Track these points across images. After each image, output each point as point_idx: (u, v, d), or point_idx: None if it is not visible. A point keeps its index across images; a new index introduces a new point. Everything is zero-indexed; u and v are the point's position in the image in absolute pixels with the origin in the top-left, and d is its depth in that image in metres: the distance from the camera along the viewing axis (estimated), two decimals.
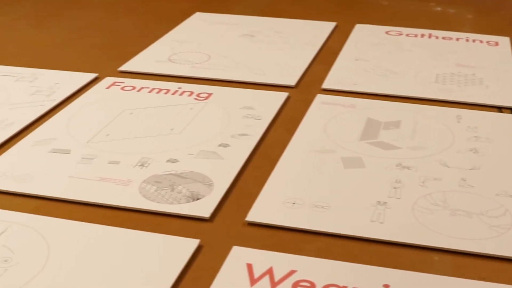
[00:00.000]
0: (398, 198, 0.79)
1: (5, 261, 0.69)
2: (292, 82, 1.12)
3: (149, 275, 0.67)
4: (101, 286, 0.66)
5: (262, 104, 1.03)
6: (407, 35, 1.36)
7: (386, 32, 1.37)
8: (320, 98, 1.06)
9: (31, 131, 0.96)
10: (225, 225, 0.76)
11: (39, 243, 0.72)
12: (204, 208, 0.77)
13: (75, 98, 1.07)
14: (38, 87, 1.11)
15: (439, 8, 1.56)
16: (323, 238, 0.74)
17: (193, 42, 1.31)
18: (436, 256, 0.71)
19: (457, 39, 1.34)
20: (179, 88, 1.09)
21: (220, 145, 0.91)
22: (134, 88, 1.10)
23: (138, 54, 1.25)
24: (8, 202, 0.80)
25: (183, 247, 0.71)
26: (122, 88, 1.10)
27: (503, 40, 1.33)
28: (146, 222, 0.77)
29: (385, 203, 0.78)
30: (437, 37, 1.35)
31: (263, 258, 0.70)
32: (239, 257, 0.70)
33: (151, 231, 0.74)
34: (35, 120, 1.00)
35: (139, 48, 1.28)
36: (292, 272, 0.68)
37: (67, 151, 0.90)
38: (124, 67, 1.18)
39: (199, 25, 1.42)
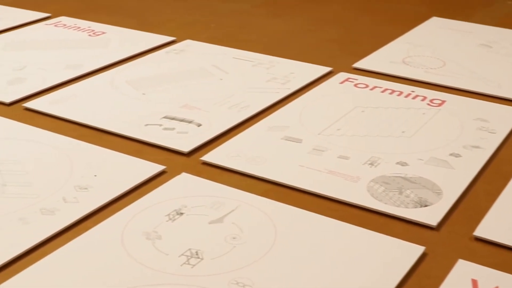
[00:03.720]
0: None
1: (234, 238, 0.72)
2: None
3: (371, 274, 0.67)
4: (322, 278, 0.66)
5: (496, 118, 1.00)
6: None
7: None
8: None
9: (265, 116, 0.99)
10: (451, 236, 0.74)
11: (267, 225, 0.74)
12: (431, 215, 0.76)
13: (309, 89, 1.08)
14: (274, 75, 1.14)
15: None
16: None
17: (428, 46, 1.29)
18: None
19: None
20: (412, 91, 1.08)
21: (451, 154, 0.89)
22: (367, 86, 1.10)
23: (372, 52, 1.25)
24: (240, 181, 0.83)
25: (407, 252, 0.70)
26: (355, 85, 1.10)
27: None
28: (371, 221, 0.76)
29: None
30: None
31: (489, 276, 0.67)
32: (465, 271, 0.68)
33: (375, 230, 0.74)
34: (269, 106, 1.02)
35: (373, 47, 1.28)
36: None
37: (298, 140, 0.91)
38: (359, 64, 1.19)
39: (435, 30, 1.40)
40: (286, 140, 0.92)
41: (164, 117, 0.98)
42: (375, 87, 1.10)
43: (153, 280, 0.66)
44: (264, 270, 0.67)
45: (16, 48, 1.28)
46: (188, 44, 1.29)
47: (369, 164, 0.86)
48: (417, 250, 0.71)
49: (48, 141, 0.92)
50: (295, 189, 0.82)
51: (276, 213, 0.76)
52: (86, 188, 0.81)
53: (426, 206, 0.78)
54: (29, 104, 1.04)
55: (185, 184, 0.82)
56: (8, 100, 1.06)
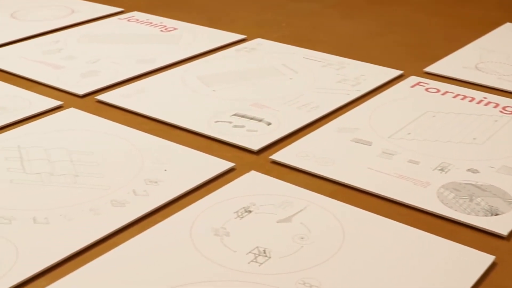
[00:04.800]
0: None
1: (302, 238, 0.72)
2: None
3: (439, 282, 0.66)
4: (388, 282, 0.66)
5: None
6: None
7: None
8: None
9: (335, 117, 0.99)
10: None
11: (334, 227, 0.74)
12: (502, 225, 0.75)
13: (379, 92, 1.08)
14: (344, 76, 1.13)
15: None
16: None
17: (502, 52, 1.27)
18: None
19: None
20: (485, 98, 1.06)
21: None
22: (438, 91, 1.09)
23: (444, 57, 1.24)
24: (309, 181, 0.83)
25: (477, 261, 0.69)
26: (427, 89, 1.09)
27: None
28: (440, 227, 0.76)
29: None
30: None
31: None
32: None
33: (444, 237, 0.73)
34: (339, 107, 1.02)
35: (445, 51, 1.27)
36: None
37: (368, 143, 0.91)
38: (430, 69, 1.18)
39: (509, 36, 1.37)
40: (355, 142, 0.91)
41: (234, 115, 0.98)
42: (447, 92, 1.08)
43: (221, 276, 0.66)
44: (331, 272, 0.67)
45: (90, 42, 1.30)
46: (258, 43, 1.29)
47: (439, 169, 0.85)
48: (487, 259, 0.70)
49: (119, 134, 0.94)
50: (363, 192, 0.81)
51: (344, 215, 0.76)
52: (156, 182, 0.82)
53: (497, 215, 0.76)
54: (102, 97, 1.06)
55: (254, 182, 0.82)
56: (81, 92, 1.08)
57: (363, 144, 0.91)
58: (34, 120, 0.99)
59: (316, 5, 1.56)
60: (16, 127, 0.97)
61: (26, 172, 0.84)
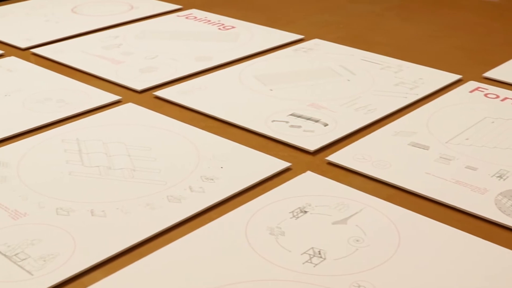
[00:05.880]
0: None
1: (357, 241, 0.72)
2: None
3: None
4: None
5: None
6: None
7: None
8: None
9: (392, 121, 0.98)
10: None
11: (390, 231, 0.73)
12: None
13: (437, 96, 1.07)
14: (402, 79, 1.13)
15: None
16: None
17: None
18: None
19: None
20: None
21: None
22: (497, 96, 1.07)
23: (504, 62, 1.22)
24: (365, 184, 0.83)
25: None
26: (486, 95, 1.08)
27: None
28: (497, 234, 0.75)
29: None
30: None
31: None
32: None
33: (501, 245, 0.72)
34: (396, 111, 1.01)
35: (505, 57, 1.25)
36: None
37: (426, 147, 0.90)
38: (490, 74, 1.16)
39: None
40: (412, 146, 0.91)
41: (291, 115, 0.99)
42: (506, 98, 1.07)
43: (275, 276, 0.67)
44: (386, 275, 0.67)
45: (148, 38, 1.31)
46: (316, 43, 1.29)
47: (498, 176, 0.84)
48: None
49: (176, 130, 0.95)
50: (420, 196, 0.81)
51: (400, 219, 0.75)
52: (212, 179, 0.82)
53: None
54: (159, 93, 1.07)
55: (309, 183, 0.82)
56: (139, 87, 1.09)
57: (421, 148, 0.90)
58: (93, 114, 1.00)
59: (374, 7, 1.55)
60: (75, 120, 0.98)
61: (84, 165, 0.86)
